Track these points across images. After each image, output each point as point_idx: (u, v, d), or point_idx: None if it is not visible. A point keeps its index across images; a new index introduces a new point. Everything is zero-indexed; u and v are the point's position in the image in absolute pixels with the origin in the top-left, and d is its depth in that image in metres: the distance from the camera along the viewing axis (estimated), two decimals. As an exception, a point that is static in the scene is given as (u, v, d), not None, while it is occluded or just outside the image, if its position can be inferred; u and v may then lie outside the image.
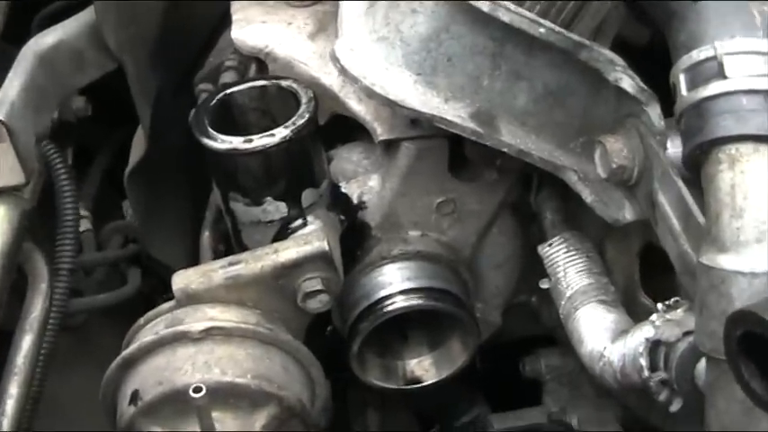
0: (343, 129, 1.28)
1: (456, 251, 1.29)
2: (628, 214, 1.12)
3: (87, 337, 1.43)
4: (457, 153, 1.21)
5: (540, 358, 1.43)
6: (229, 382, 1.08)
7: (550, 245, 1.22)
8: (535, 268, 1.28)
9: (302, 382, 1.16)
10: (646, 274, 1.22)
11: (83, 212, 1.46)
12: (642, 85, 1.05)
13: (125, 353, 1.12)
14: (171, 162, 1.35)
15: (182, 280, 1.14)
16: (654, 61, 1.06)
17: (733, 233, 0.87)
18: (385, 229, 1.26)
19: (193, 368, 1.08)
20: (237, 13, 1.29)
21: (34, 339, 1.14)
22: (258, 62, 1.28)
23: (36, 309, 1.16)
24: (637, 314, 1.15)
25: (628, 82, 1.05)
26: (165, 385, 1.07)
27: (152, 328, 1.13)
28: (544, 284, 1.22)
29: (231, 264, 1.15)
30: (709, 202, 0.89)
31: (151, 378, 1.09)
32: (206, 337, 1.10)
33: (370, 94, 1.06)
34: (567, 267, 1.19)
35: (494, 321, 1.38)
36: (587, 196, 1.13)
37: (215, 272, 1.14)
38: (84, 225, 1.45)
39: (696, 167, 0.91)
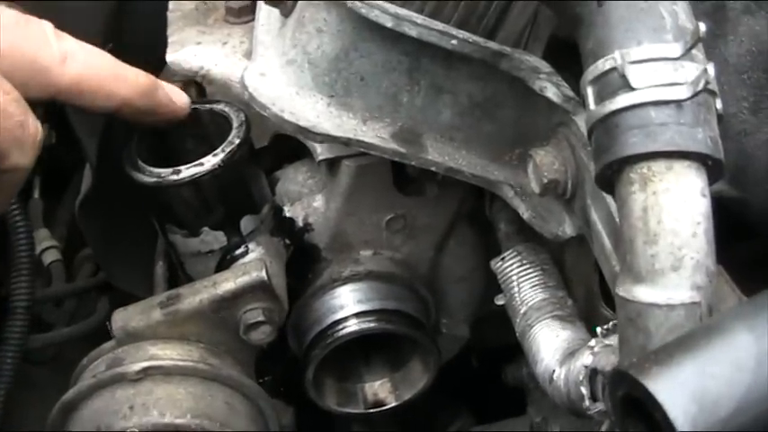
0: (292, 147, 1.23)
1: (412, 268, 1.24)
2: (568, 229, 1.04)
3: (64, 368, 1.40)
4: (401, 168, 1.15)
5: (522, 366, 1.37)
6: (168, 424, 1.04)
7: (503, 259, 1.15)
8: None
9: (249, 416, 1.11)
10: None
11: (52, 242, 1.45)
12: (569, 93, 0.97)
13: (64, 397, 1.09)
14: (124, 188, 1.31)
15: (121, 318, 1.11)
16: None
17: (647, 261, 0.78)
18: (334, 250, 1.22)
19: (131, 411, 1.05)
20: (173, 36, 1.25)
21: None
22: (197, 85, 1.23)
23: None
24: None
25: (552, 90, 0.97)
26: (103, 430, 1.04)
27: (92, 370, 1.11)
28: (499, 301, 1.15)
29: (170, 299, 1.11)
30: (623, 228, 0.80)
31: (90, 423, 1.06)
32: (144, 378, 1.06)
33: (279, 121, 1.00)
34: (522, 282, 1.12)
35: (462, 335, 1.33)
36: (524, 212, 1.05)
37: (154, 308, 1.11)
38: (54, 255, 1.44)
39: (610, 188, 0.83)
